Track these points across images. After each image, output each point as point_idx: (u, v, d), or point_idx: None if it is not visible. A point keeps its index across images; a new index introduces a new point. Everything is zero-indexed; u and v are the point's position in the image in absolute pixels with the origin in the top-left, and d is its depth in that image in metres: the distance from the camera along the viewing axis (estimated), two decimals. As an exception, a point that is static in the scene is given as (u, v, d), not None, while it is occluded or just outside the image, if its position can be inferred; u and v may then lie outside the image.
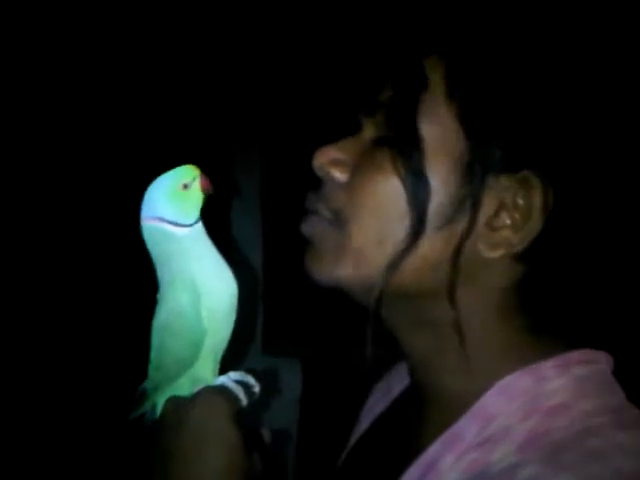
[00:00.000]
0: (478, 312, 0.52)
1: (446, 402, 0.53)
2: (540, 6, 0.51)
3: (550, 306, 0.54)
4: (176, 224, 0.55)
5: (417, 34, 0.54)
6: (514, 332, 0.52)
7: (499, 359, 0.52)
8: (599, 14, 0.50)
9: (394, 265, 0.50)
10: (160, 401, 0.59)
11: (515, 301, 0.52)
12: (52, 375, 1.88)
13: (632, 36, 0.50)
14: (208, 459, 0.52)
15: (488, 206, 0.49)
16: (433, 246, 0.50)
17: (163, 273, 0.57)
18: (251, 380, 0.58)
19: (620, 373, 0.52)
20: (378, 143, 0.52)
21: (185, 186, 0.55)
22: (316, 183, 0.56)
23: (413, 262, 0.50)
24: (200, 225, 0.57)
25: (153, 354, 0.59)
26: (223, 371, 0.59)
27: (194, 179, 0.56)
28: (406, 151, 0.50)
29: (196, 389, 0.56)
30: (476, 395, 0.51)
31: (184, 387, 0.58)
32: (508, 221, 0.49)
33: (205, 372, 0.58)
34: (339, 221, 0.53)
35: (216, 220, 0.60)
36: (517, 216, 0.48)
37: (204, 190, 0.56)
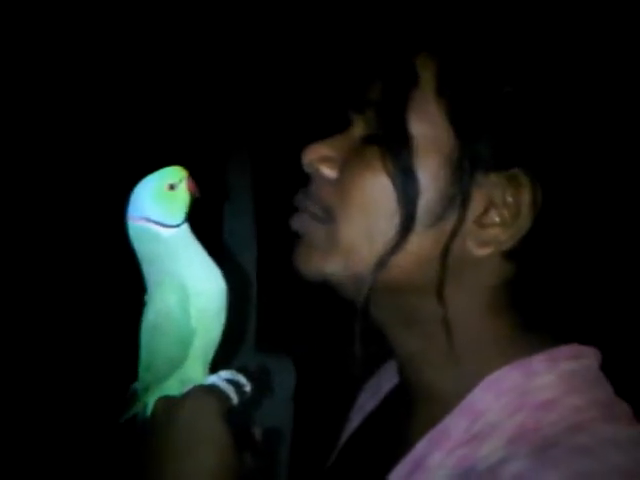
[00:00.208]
0: (467, 309, 0.52)
1: (435, 399, 0.53)
2: (529, 6, 0.51)
3: (539, 303, 0.54)
4: (162, 224, 0.55)
5: (408, 32, 0.54)
6: (503, 329, 0.52)
7: (488, 356, 0.52)
8: (585, 13, 0.50)
9: (383, 262, 0.50)
10: (151, 401, 0.59)
11: (504, 298, 0.52)
12: (42, 377, 1.87)
13: (616, 35, 0.50)
14: (199, 458, 0.52)
15: (477, 204, 0.49)
16: (422, 243, 0.50)
17: (150, 273, 0.57)
18: (242, 379, 0.58)
19: (607, 368, 0.52)
20: (368, 140, 0.52)
21: (171, 187, 0.55)
22: (307, 181, 0.56)
23: (402, 259, 0.50)
24: (186, 226, 0.56)
25: (143, 355, 0.59)
26: (216, 370, 0.59)
27: (181, 180, 0.56)
28: (395, 148, 0.49)
29: (186, 389, 0.56)
30: (465, 392, 0.51)
31: (174, 387, 0.58)
32: (497, 219, 0.49)
33: (195, 372, 0.58)
34: (328, 218, 0.53)
35: (209, 220, 0.60)
36: (506, 214, 0.49)
37: (191, 192, 0.56)
